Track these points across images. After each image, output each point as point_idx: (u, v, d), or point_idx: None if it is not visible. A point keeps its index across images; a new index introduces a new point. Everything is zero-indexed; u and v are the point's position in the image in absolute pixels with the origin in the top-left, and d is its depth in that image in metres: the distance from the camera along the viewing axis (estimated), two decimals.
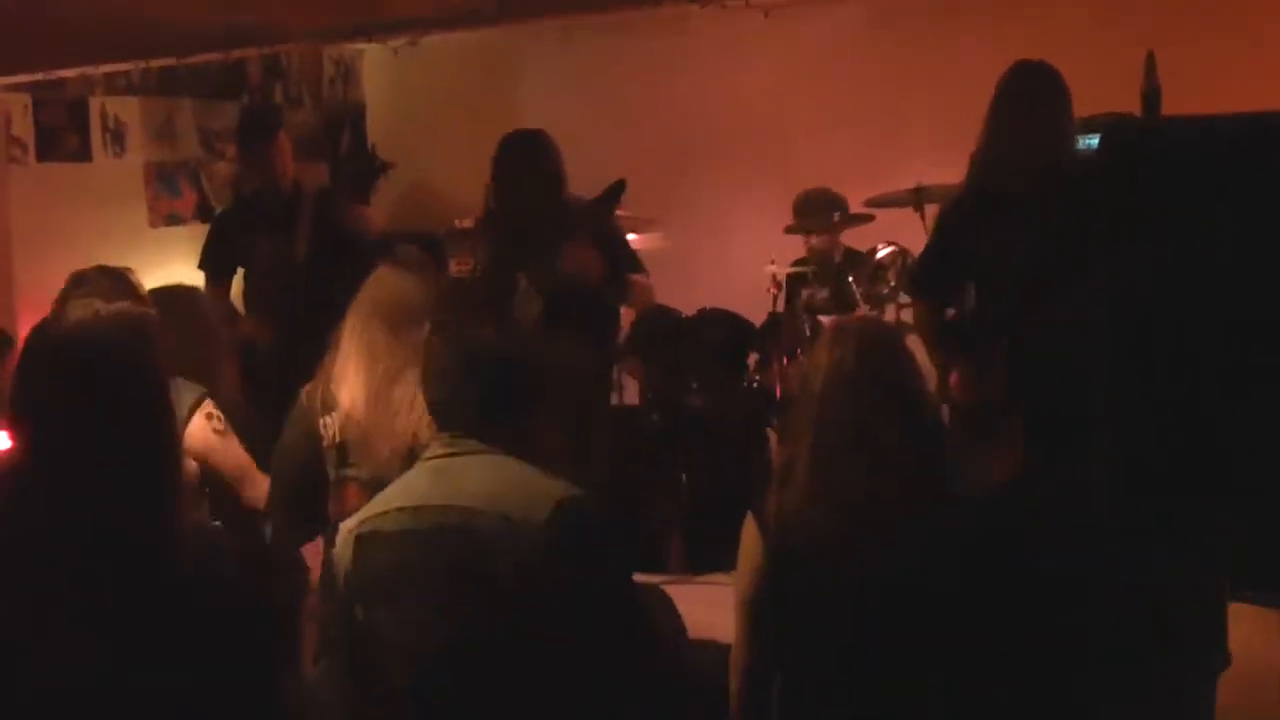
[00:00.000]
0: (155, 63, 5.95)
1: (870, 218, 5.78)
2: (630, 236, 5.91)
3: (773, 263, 6.00)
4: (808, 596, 2.71)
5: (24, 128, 6.21)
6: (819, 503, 2.69)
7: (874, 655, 2.64)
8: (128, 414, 2.07)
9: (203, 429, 3.39)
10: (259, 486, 3.48)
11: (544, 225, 4.58)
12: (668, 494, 5.25)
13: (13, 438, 2.10)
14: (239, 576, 2.09)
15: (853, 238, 5.92)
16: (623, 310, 5.10)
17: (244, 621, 2.06)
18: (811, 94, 6.65)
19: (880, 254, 5.66)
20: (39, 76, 5.78)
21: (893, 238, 5.67)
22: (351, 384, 3.20)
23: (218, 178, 7.11)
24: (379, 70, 8.03)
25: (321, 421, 3.30)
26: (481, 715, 2.50)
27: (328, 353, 3.36)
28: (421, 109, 7.80)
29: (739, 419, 5.69)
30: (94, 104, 6.53)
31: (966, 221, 4.16)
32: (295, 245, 5.33)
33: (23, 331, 5.68)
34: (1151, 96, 4.53)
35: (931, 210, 4.98)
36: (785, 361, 5.59)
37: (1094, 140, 4.48)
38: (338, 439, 3.27)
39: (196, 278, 5.59)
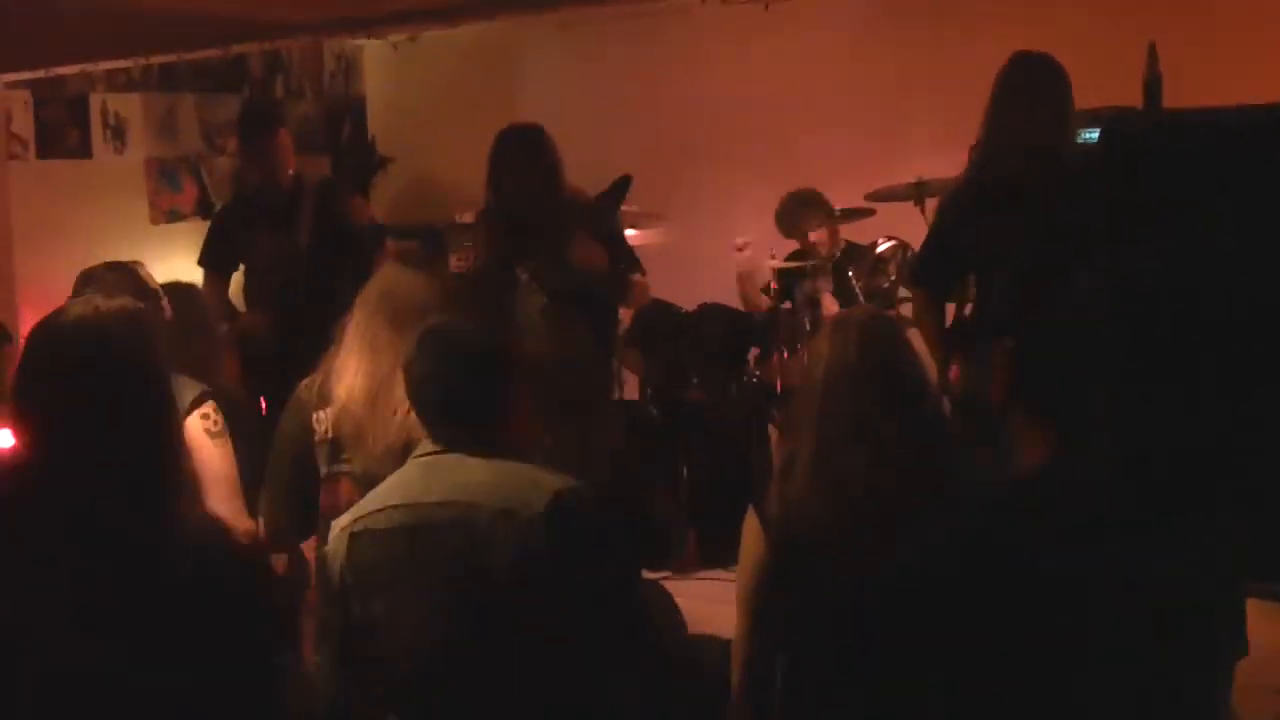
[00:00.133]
0: (156, 59, 5.94)
1: (871, 211, 5.78)
2: (630, 232, 5.93)
3: (773, 256, 6.00)
4: (809, 589, 2.71)
5: (25, 124, 6.21)
6: (820, 495, 2.69)
7: (875, 648, 2.64)
8: (128, 410, 2.07)
9: (196, 427, 3.38)
10: (225, 502, 3.39)
11: (543, 219, 4.58)
12: (668, 489, 5.25)
13: (15, 434, 2.11)
14: (238, 573, 2.09)
15: (853, 232, 5.92)
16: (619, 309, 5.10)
17: (243, 617, 2.06)
18: (812, 88, 6.64)
19: (881, 248, 5.66)
20: (40, 73, 5.79)
21: (893, 231, 5.68)
22: (350, 379, 3.21)
23: (219, 173, 7.11)
24: (379, 65, 8.03)
25: (315, 416, 3.30)
26: (480, 707, 2.50)
27: (330, 347, 3.36)
28: (421, 104, 7.80)
29: (739, 414, 5.70)
30: (94, 100, 6.54)
31: (966, 213, 4.15)
32: (297, 237, 5.32)
33: (24, 328, 5.69)
34: (1153, 85, 4.52)
35: (932, 204, 4.98)
36: (785, 355, 5.59)
37: (1095, 133, 4.48)
38: (330, 434, 3.27)
39: (198, 274, 5.59)
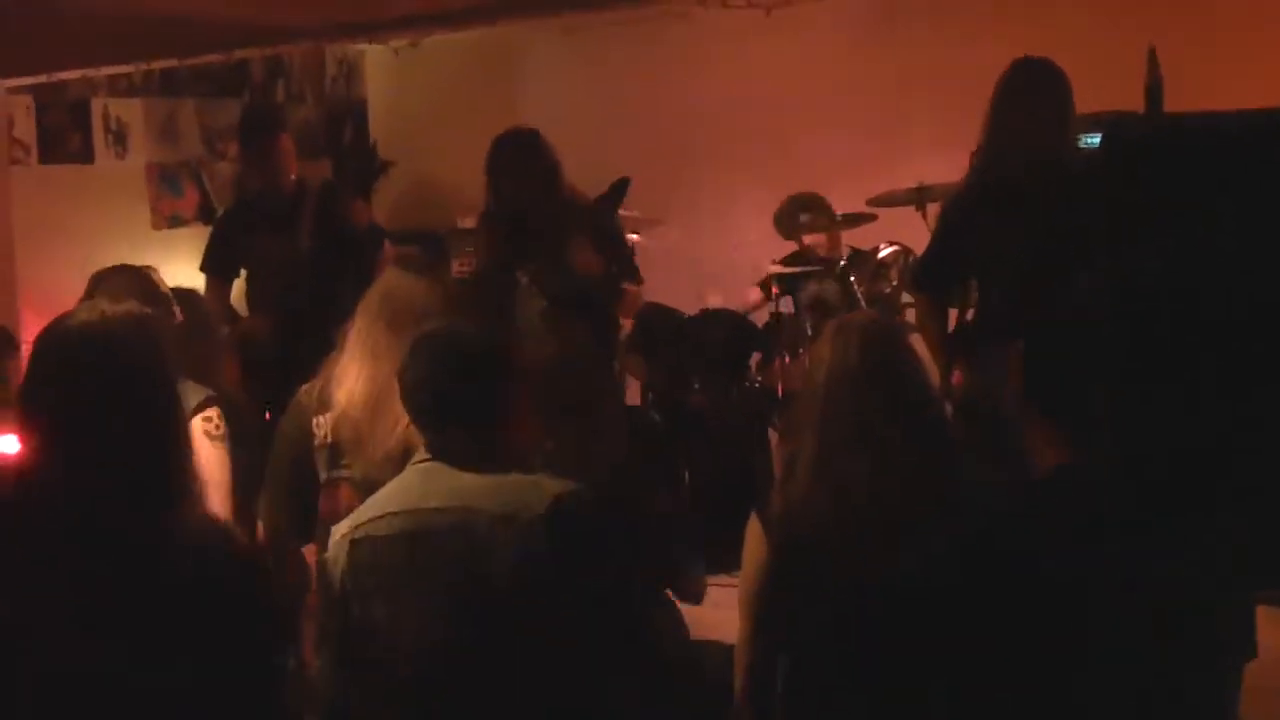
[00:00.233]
0: (157, 64, 5.95)
1: (872, 216, 5.78)
2: (632, 236, 5.93)
3: (774, 262, 6.01)
4: (811, 593, 2.71)
5: (26, 129, 6.21)
6: (822, 500, 2.70)
7: (877, 652, 2.64)
8: (134, 414, 2.07)
9: (197, 430, 3.38)
10: (216, 507, 3.38)
11: (543, 222, 4.58)
12: (670, 494, 5.25)
13: (22, 439, 2.11)
14: (240, 575, 2.09)
15: (855, 237, 5.92)
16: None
17: (244, 619, 2.06)
18: (813, 93, 6.65)
19: (883, 253, 5.67)
20: (41, 78, 5.79)
21: (895, 236, 5.68)
22: (351, 384, 3.20)
23: (220, 178, 7.11)
24: (380, 70, 8.04)
25: (315, 420, 3.29)
26: (481, 712, 2.50)
27: (332, 352, 3.35)
28: (423, 108, 7.81)
29: (741, 419, 5.70)
30: (96, 105, 6.54)
31: (969, 218, 4.15)
32: (298, 242, 5.33)
33: (26, 333, 5.69)
34: (1154, 89, 4.52)
35: (934, 209, 4.98)
36: (787, 360, 5.59)
37: (1096, 138, 4.48)
38: (329, 439, 3.26)
39: (199, 279, 5.59)
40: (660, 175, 6.82)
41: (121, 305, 2.20)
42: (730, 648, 2.93)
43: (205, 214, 6.94)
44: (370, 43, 7.25)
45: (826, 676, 2.73)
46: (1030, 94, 4.02)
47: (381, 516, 2.59)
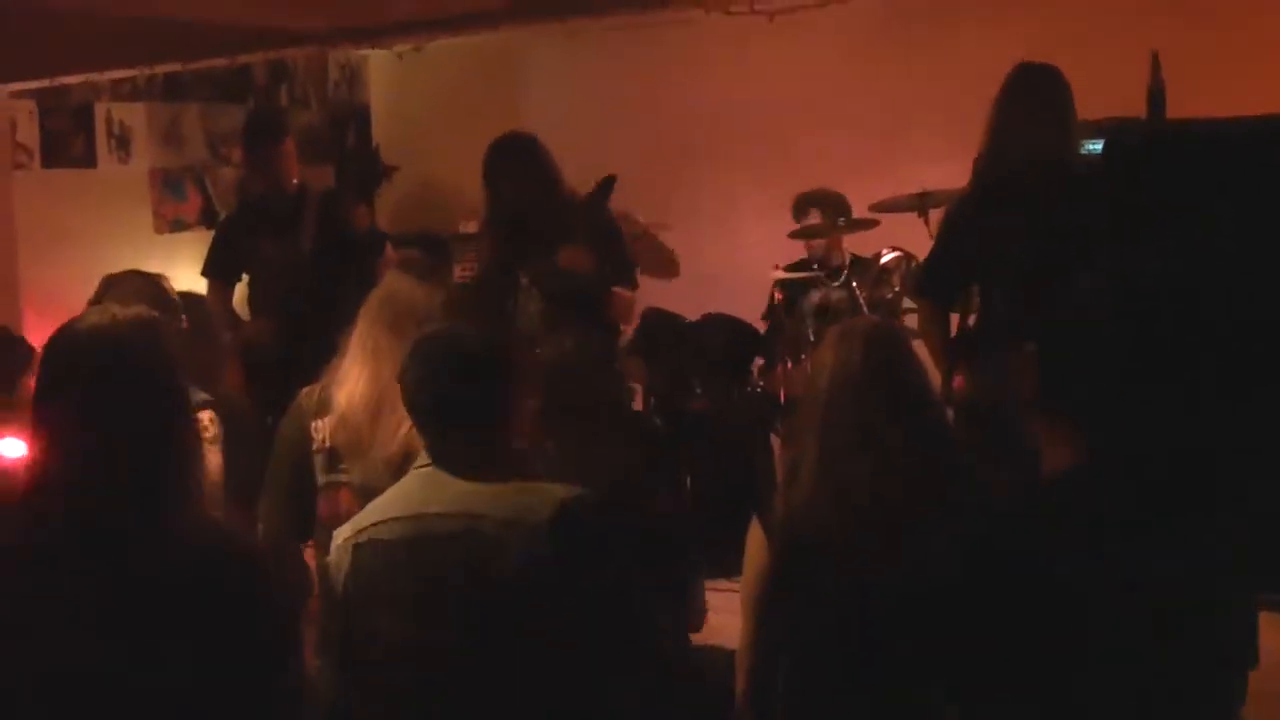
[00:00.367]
0: (161, 68, 5.95)
1: (875, 222, 5.78)
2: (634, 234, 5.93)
3: (777, 267, 6.01)
4: (813, 596, 2.71)
5: (29, 134, 6.22)
6: (824, 504, 2.70)
7: (879, 656, 2.64)
8: (142, 416, 2.08)
9: None
10: None
11: (542, 223, 4.57)
12: (671, 498, 5.25)
13: (32, 442, 2.11)
14: (244, 578, 2.09)
15: (857, 242, 5.93)
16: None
17: (248, 623, 2.06)
18: (816, 99, 6.65)
19: (885, 258, 5.66)
20: (45, 82, 5.79)
21: (897, 243, 5.68)
22: (351, 387, 3.20)
23: (223, 182, 7.12)
24: (383, 75, 8.05)
25: (313, 424, 3.29)
26: (483, 717, 2.50)
27: (334, 355, 3.35)
28: (426, 113, 7.82)
29: (743, 423, 5.69)
30: (99, 109, 6.54)
31: (971, 223, 4.16)
32: (301, 246, 5.33)
33: (29, 337, 5.69)
34: (1156, 95, 4.53)
35: (936, 215, 4.98)
36: (789, 365, 5.59)
37: (1098, 144, 4.49)
38: (328, 443, 3.26)
39: (202, 283, 5.60)
40: (662, 180, 6.83)
41: (131, 309, 2.21)
42: (732, 652, 2.93)
43: (208, 218, 6.94)
44: (373, 47, 7.26)
45: (828, 680, 2.73)
46: (1032, 99, 4.03)
47: (384, 521, 2.58)
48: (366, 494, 3.10)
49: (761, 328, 6.01)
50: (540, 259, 4.53)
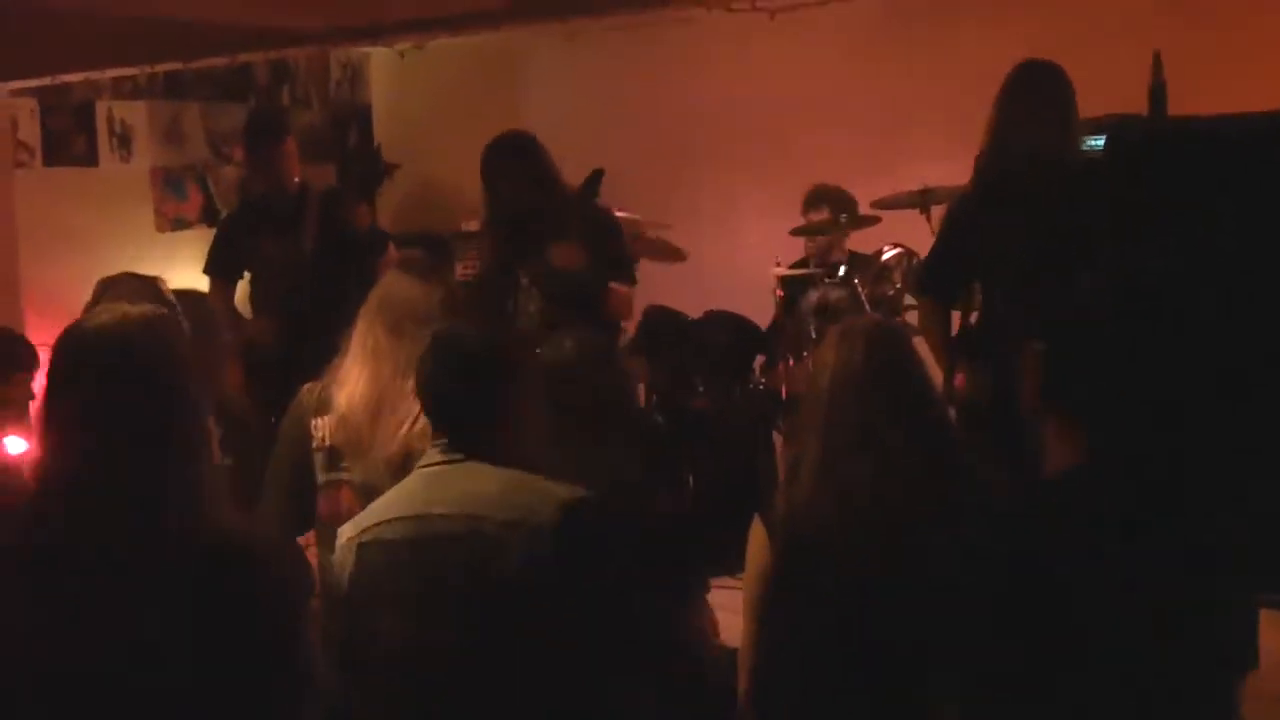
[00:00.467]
0: (162, 67, 5.96)
1: (876, 219, 5.78)
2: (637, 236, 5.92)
3: (778, 264, 6.01)
4: (815, 596, 2.71)
5: (31, 132, 6.23)
6: (826, 503, 2.69)
7: (881, 655, 2.64)
8: (153, 415, 2.07)
9: None
10: None
11: (541, 223, 4.56)
12: (673, 497, 5.24)
13: (42, 440, 2.10)
14: (244, 578, 2.08)
15: (858, 239, 5.92)
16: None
17: (247, 622, 2.05)
18: (818, 97, 6.65)
19: (886, 255, 5.66)
20: (46, 81, 5.80)
21: (899, 239, 5.67)
22: (352, 386, 3.20)
23: (224, 181, 7.13)
24: (385, 73, 8.05)
25: (313, 423, 3.29)
26: (487, 718, 2.50)
27: (335, 354, 3.35)
28: (427, 111, 7.82)
29: (744, 421, 5.69)
30: (101, 108, 6.55)
31: (973, 221, 4.15)
32: (302, 245, 5.33)
33: (31, 335, 5.69)
34: (1158, 93, 4.53)
35: (937, 212, 4.98)
36: (791, 363, 5.59)
37: (1099, 141, 4.48)
38: (327, 441, 3.26)
39: (203, 281, 5.60)
40: (663, 178, 6.83)
41: (141, 308, 2.20)
42: (734, 651, 2.93)
43: (209, 217, 6.95)
44: (374, 46, 7.26)
45: (830, 679, 2.73)
46: (1034, 97, 4.02)
47: (388, 521, 2.59)
48: (367, 493, 3.10)
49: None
50: (538, 258, 4.52)
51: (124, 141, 6.68)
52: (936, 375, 3.86)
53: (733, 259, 6.67)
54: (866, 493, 2.66)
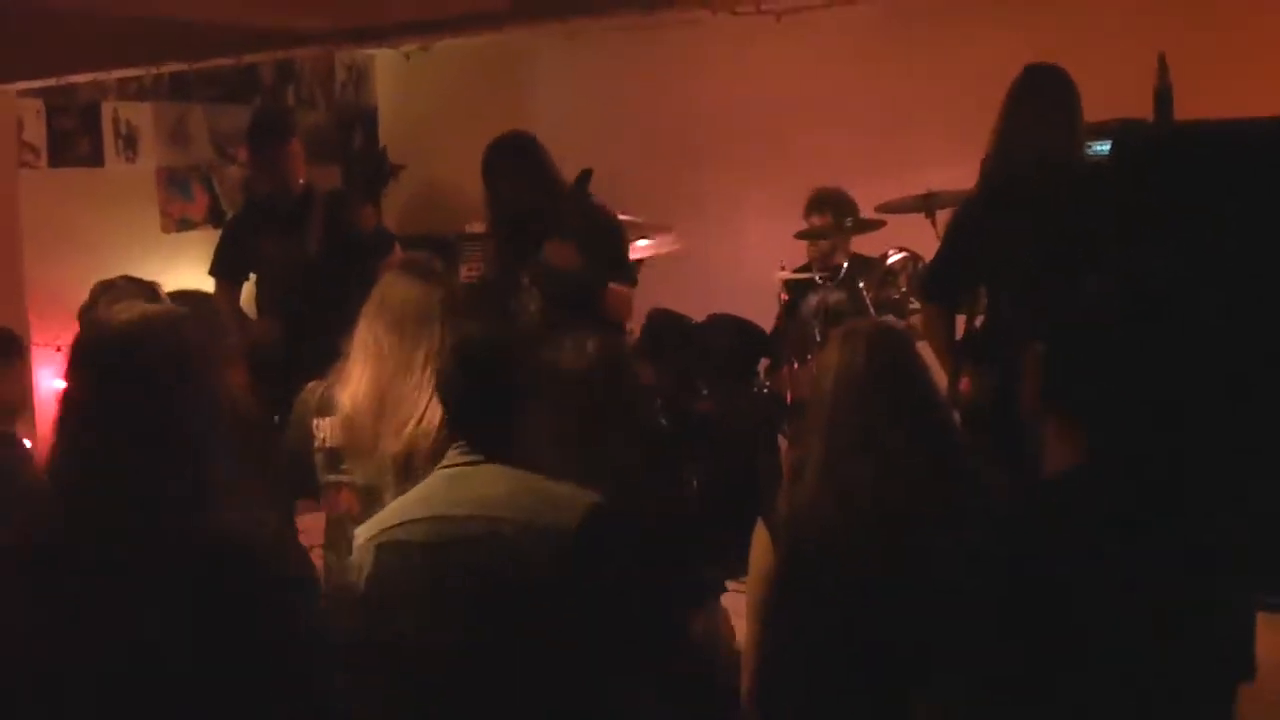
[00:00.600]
0: (167, 68, 5.96)
1: (881, 223, 5.77)
2: (642, 242, 5.92)
3: (783, 267, 6.01)
4: (817, 599, 2.71)
5: (37, 133, 6.23)
6: (828, 505, 2.69)
7: (883, 657, 2.64)
8: (148, 416, 2.07)
9: None
10: None
11: (539, 223, 4.56)
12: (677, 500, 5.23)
13: (56, 435, 2.10)
14: (249, 578, 2.08)
15: (863, 243, 5.92)
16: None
17: (252, 623, 2.05)
18: (823, 100, 6.65)
19: (891, 259, 5.65)
20: (51, 82, 5.80)
21: (904, 243, 5.67)
22: (354, 387, 3.20)
23: (229, 182, 7.13)
24: (390, 75, 8.05)
25: (315, 423, 3.30)
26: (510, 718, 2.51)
27: (338, 356, 3.36)
28: (432, 113, 7.82)
29: (749, 424, 5.68)
30: (106, 109, 6.55)
31: (978, 225, 4.15)
32: (307, 246, 5.34)
33: (35, 336, 5.70)
34: (1163, 96, 4.53)
35: (943, 216, 4.97)
36: (795, 366, 5.58)
37: (1105, 146, 4.48)
38: (328, 442, 3.27)
39: (208, 282, 5.61)
40: (667, 180, 6.83)
41: (160, 306, 2.20)
42: (737, 653, 2.93)
43: (214, 218, 6.96)
44: (378, 47, 7.26)
45: (833, 681, 2.72)
46: (1039, 100, 4.02)
47: (408, 522, 2.59)
48: (368, 494, 3.12)
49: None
50: (537, 259, 4.52)
51: (129, 142, 6.68)
52: (941, 379, 3.86)
53: (736, 262, 6.67)
54: (869, 495, 2.66)
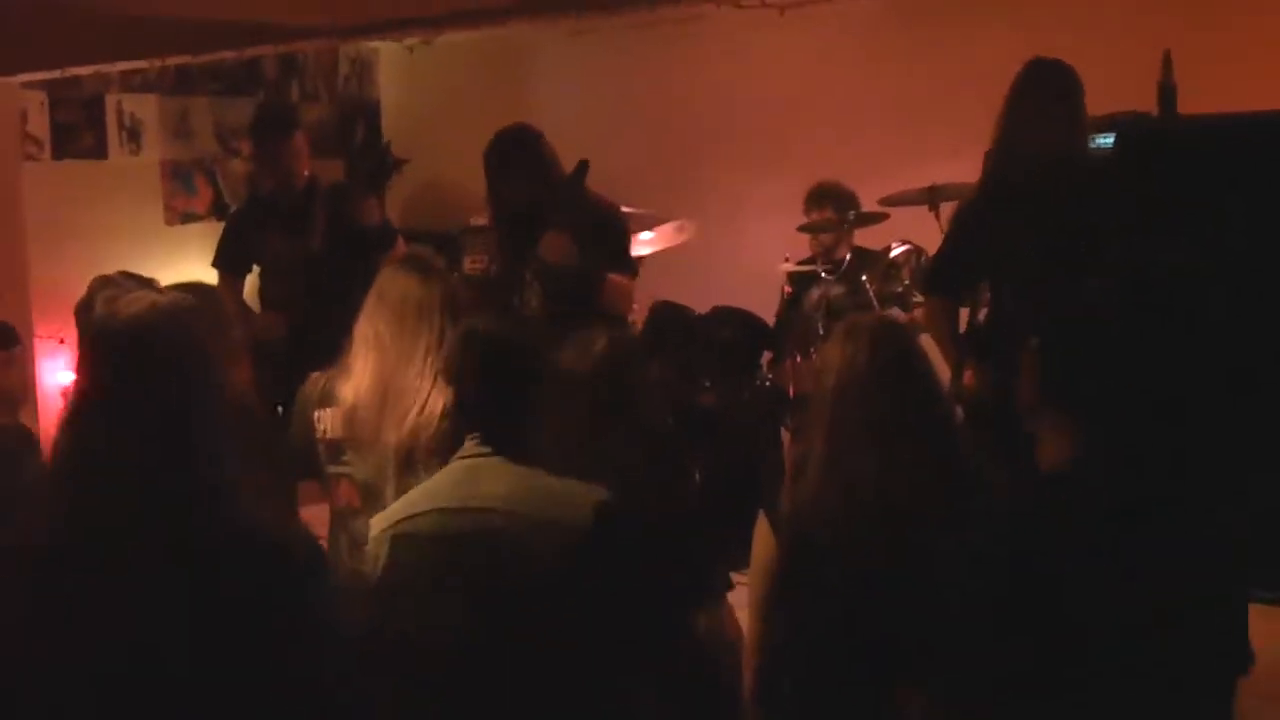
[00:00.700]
0: (171, 61, 5.97)
1: (884, 216, 5.77)
2: (646, 235, 5.92)
3: (787, 260, 6.00)
4: (819, 593, 2.71)
5: (40, 125, 6.24)
6: (831, 500, 2.69)
7: (885, 651, 2.64)
8: (181, 405, 2.06)
9: None
10: None
11: (540, 217, 4.55)
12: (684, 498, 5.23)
13: (73, 430, 2.09)
14: (291, 573, 2.07)
15: (867, 236, 5.92)
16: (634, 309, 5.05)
17: (270, 613, 2.04)
18: (827, 93, 6.64)
19: (894, 252, 5.65)
20: (56, 74, 5.81)
21: (907, 236, 5.67)
22: (357, 380, 3.21)
23: (233, 175, 7.14)
24: (394, 68, 8.05)
25: (316, 415, 3.31)
26: (508, 713, 2.51)
27: (342, 350, 3.36)
28: (436, 107, 7.82)
29: (751, 418, 5.68)
30: (110, 101, 6.56)
31: (982, 219, 4.15)
32: (310, 240, 5.34)
33: (38, 329, 5.71)
34: (1167, 92, 4.52)
35: (947, 209, 4.97)
36: (798, 360, 5.58)
37: (1110, 139, 4.47)
38: (329, 434, 3.28)
39: (212, 275, 5.61)
40: (670, 174, 6.83)
41: (171, 296, 2.20)
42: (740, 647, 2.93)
43: (218, 211, 6.96)
44: (382, 40, 7.27)
45: (835, 676, 2.73)
46: (1043, 94, 4.01)
47: (424, 513, 2.60)
48: (367, 486, 3.13)
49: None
50: (536, 252, 4.51)
51: (133, 135, 6.69)
52: (944, 373, 3.86)
53: (740, 254, 6.67)
54: (871, 489, 2.65)
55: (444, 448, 3.06)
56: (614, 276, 4.56)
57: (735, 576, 3.12)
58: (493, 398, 2.64)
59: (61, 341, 5.74)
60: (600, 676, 2.50)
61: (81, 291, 3.64)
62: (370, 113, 8.09)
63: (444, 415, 3.08)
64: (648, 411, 3.19)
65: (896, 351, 2.78)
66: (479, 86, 7.51)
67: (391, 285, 3.26)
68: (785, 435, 5.72)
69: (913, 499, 2.64)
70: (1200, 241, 3.88)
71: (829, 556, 2.68)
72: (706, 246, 6.45)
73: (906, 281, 5.60)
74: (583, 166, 4.53)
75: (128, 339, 2.09)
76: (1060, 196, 3.95)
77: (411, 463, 3.08)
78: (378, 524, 2.67)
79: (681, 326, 5.78)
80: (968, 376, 4.13)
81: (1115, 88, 4.42)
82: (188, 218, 6.92)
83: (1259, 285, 3.85)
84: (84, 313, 3.47)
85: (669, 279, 5.94)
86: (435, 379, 3.10)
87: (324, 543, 3.33)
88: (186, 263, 6.23)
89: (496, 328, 2.75)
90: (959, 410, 3.82)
